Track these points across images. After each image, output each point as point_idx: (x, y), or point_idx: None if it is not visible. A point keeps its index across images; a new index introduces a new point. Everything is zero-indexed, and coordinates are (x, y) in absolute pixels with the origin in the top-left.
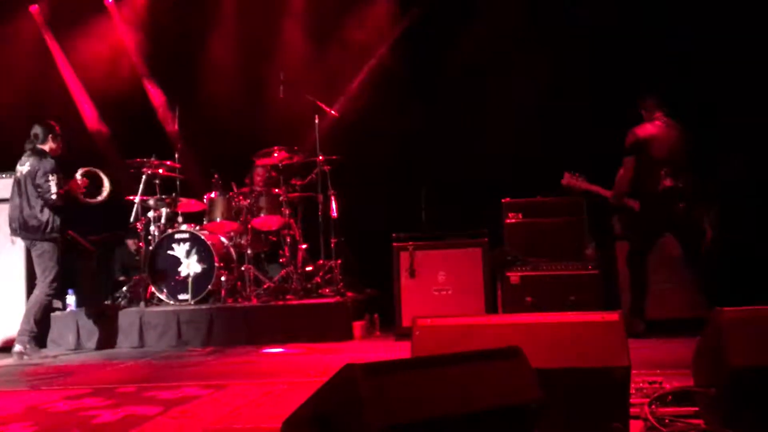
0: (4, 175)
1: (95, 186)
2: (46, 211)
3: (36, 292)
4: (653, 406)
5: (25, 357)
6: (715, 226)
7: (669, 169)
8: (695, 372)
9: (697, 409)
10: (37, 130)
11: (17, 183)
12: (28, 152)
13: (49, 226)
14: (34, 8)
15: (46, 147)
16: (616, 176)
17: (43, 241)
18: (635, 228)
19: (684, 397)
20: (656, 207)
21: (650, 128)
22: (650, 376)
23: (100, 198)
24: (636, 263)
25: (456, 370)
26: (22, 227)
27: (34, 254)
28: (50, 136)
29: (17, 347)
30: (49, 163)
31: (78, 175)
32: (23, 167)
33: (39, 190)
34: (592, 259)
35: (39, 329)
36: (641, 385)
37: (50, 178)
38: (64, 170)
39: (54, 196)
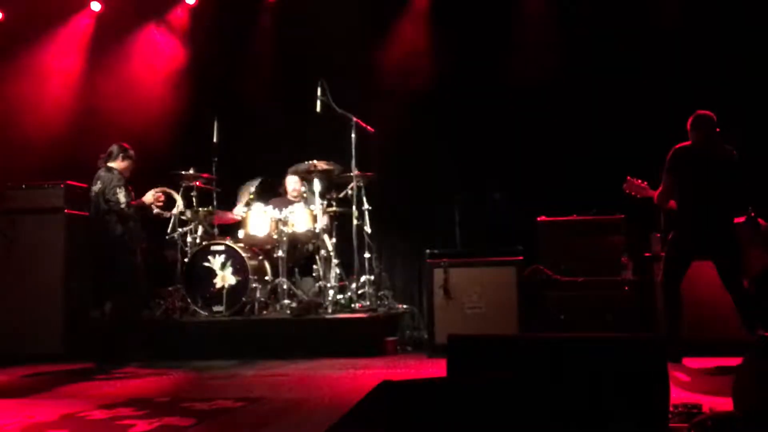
0: (46, 185)
1: (168, 203)
2: (120, 225)
3: (116, 303)
4: (692, 431)
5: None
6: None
7: (703, 191)
8: (736, 397)
9: None
10: (112, 148)
11: (92, 202)
12: (100, 170)
13: (125, 240)
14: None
15: (116, 164)
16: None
17: (121, 255)
18: (671, 244)
19: (725, 422)
20: (686, 228)
21: (692, 147)
22: (689, 400)
23: (171, 213)
24: (670, 285)
25: (493, 393)
26: (102, 242)
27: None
28: (121, 155)
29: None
30: (115, 177)
31: (152, 192)
32: (95, 186)
33: (109, 203)
34: (628, 279)
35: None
36: (680, 409)
37: (117, 191)
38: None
39: (123, 205)
